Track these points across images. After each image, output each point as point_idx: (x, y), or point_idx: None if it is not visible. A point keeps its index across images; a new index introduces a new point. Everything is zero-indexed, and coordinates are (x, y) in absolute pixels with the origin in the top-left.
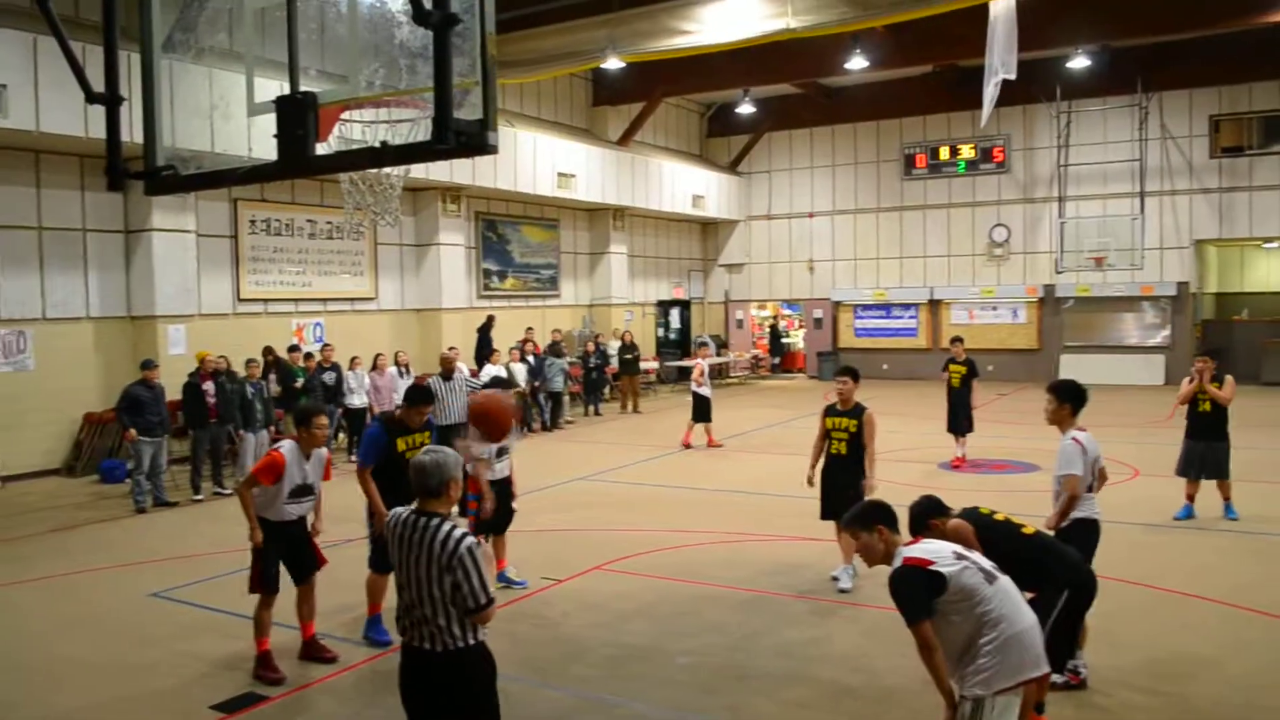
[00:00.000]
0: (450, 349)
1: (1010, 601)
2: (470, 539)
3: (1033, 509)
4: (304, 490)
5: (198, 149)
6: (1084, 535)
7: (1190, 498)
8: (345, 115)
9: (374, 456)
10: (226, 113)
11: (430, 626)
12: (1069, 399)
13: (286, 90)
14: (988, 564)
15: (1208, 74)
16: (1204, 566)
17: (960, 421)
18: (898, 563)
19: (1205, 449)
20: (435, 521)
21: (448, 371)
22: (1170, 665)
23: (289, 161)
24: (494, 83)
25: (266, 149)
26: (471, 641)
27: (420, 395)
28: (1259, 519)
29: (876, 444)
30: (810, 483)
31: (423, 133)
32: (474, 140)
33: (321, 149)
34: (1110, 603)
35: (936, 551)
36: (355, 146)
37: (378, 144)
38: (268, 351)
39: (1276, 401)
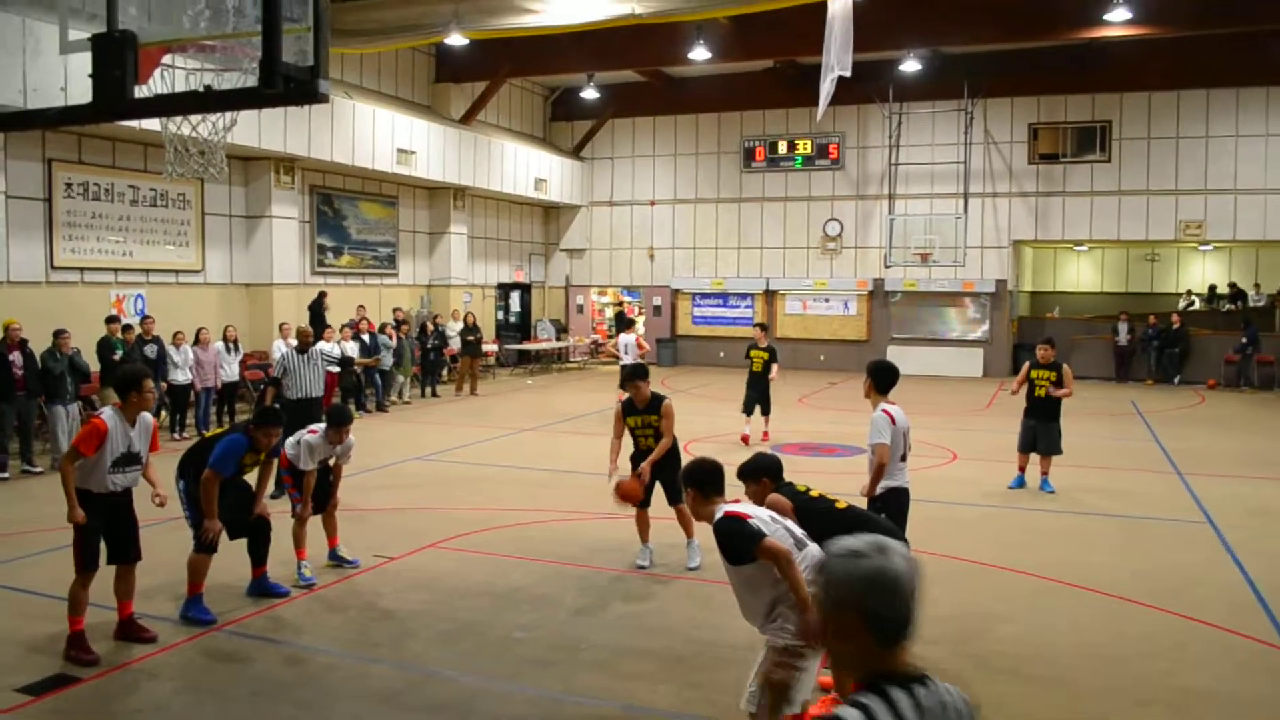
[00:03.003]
0: (282, 325)
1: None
2: None
3: (855, 489)
4: (129, 459)
5: (6, 90)
6: (896, 503)
7: (1022, 469)
8: (168, 59)
9: (231, 467)
10: (38, 51)
11: None
12: (875, 376)
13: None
14: (799, 532)
15: (1028, 84)
16: (1011, 541)
17: (757, 403)
18: (719, 515)
19: (1041, 428)
20: (942, 688)
21: (304, 345)
22: (970, 626)
23: (106, 103)
24: (326, 29)
25: (83, 91)
26: None
27: (273, 417)
28: (1069, 498)
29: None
30: (611, 477)
31: (251, 79)
32: (303, 87)
33: (142, 93)
34: (925, 572)
35: (753, 511)
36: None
37: (201, 89)
38: None
39: (1084, 393)
